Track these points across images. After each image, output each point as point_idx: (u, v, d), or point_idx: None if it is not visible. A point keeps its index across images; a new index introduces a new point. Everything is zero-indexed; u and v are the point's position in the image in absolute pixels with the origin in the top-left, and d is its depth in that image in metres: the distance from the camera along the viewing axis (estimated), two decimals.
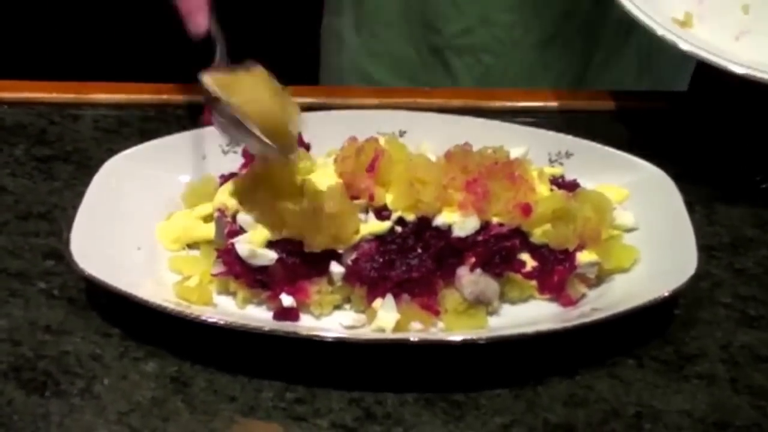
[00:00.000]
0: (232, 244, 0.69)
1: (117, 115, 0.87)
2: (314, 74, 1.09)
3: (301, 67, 1.01)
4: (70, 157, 0.82)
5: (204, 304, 0.69)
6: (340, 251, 0.69)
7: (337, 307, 0.70)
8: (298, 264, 0.69)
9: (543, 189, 0.72)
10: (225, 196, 0.71)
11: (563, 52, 0.98)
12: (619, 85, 1.00)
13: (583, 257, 0.71)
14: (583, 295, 0.71)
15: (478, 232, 0.69)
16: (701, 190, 0.78)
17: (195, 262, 0.71)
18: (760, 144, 0.83)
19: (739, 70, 0.75)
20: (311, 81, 1.08)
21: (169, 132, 0.80)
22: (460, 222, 0.69)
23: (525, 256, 0.71)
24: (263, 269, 0.69)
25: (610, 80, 1.01)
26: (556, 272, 0.70)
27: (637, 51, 1.02)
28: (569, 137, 0.79)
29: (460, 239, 0.69)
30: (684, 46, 0.77)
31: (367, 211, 0.70)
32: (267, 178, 0.70)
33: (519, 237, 0.70)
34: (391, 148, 0.72)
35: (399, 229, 0.70)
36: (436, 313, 0.69)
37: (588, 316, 0.67)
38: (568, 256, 0.70)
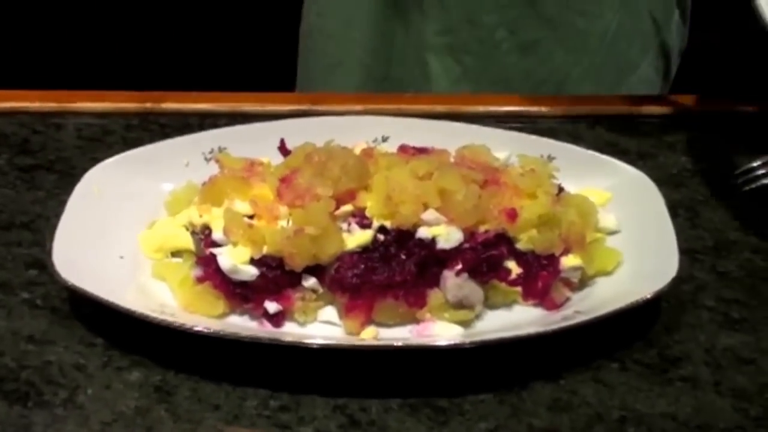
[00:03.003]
0: (212, 254, 0.69)
1: (100, 124, 0.87)
2: (291, 77, 1.10)
3: (277, 68, 1.02)
4: (54, 166, 0.82)
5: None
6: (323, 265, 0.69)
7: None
8: (280, 276, 0.69)
9: (541, 194, 0.72)
10: (193, 214, 0.72)
11: (544, 60, 0.99)
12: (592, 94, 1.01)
13: (567, 262, 0.71)
14: (567, 299, 0.71)
15: (463, 242, 0.70)
16: (684, 194, 0.79)
17: (178, 270, 0.71)
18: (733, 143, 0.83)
19: None
20: (289, 80, 1.09)
21: (152, 140, 0.81)
22: (445, 234, 0.69)
23: (510, 264, 0.71)
24: (244, 282, 0.69)
25: (585, 89, 1.01)
26: (540, 278, 0.70)
27: (616, 66, 1.02)
28: (552, 141, 0.80)
29: (444, 250, 0.69)
30: None
31: (349, 223, 0.70)
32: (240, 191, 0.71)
33: (505, 244, 0.70)
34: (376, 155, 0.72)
35: (381, 237, 0.70)
36: (421, 308, 0.69)
37: (571, 318, 0.67)
38: (552, 261, 0.71)
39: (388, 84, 1.02)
